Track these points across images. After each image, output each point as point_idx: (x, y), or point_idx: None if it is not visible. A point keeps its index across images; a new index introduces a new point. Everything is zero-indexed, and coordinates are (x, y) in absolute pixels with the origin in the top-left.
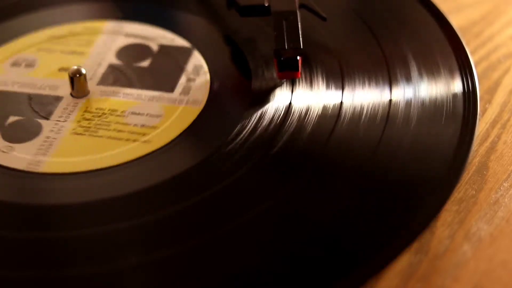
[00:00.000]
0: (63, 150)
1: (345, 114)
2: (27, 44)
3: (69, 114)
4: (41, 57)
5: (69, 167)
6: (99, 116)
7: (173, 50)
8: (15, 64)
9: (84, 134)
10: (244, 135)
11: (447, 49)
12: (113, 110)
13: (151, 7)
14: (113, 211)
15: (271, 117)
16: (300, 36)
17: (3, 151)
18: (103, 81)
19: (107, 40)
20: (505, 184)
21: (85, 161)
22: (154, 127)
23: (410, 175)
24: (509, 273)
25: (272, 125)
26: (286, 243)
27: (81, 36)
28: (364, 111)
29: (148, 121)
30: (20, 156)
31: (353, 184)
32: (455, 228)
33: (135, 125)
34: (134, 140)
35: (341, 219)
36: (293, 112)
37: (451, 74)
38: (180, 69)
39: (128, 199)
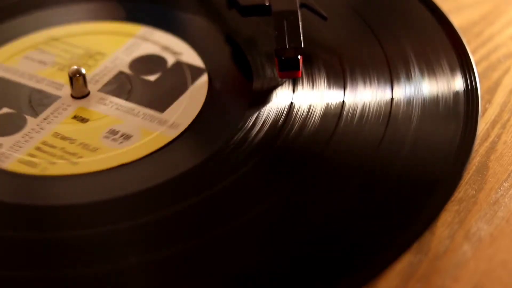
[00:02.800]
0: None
1: (346, 113)
2: (51, 37)
3: (58, 115)
4: (59, 54)
5: (31, 170)
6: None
7: (184, 67)
8: (29, 58)
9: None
10: (245, 135)
11: (448, 48)
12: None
13: (150, 6)
14: (113, 211)
15: (272, 116)
16: (301, 35)
17: None
18: (106, 86)
19: (132, 44)
20: (505, 184)
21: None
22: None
23: (412, 175)
24: (509, 273)
25: (274, 124)
26: (286, 243)
27: (112, 37)
28: (366, 111)
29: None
30: None
31: (354, 183)
32: (455, 228)
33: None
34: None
35: (342, 219)
36: (295, 112)
37: (452, 73)
38: (184, 89)
39: (128, 199)
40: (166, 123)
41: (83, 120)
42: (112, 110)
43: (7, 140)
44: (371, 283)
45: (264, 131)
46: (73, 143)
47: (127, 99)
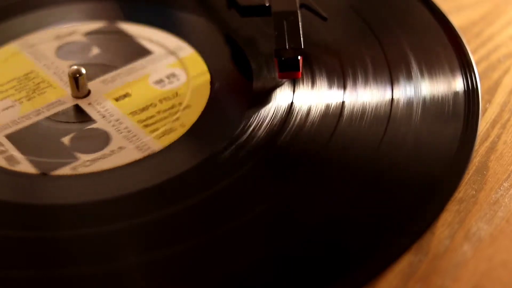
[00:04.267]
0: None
1: (346, 113)
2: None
3: (104, 108)
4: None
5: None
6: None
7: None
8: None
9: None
10: (245, 135)
11: (448, 48)
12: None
13: (150, 6)
14: (113, 211)
15: (272, 117)
16: (301, 36)
17: (104, 158)
18: (89, 77)
19: (33, 52)
20: (505, 184)
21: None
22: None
23: (412, 175)
24: (509, 273)
25: (274, 125)
26: (286, 243)
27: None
28: (366, 111)
29: (175, 82)
30: (125, 152)
31: (354, 184)
32: (455, 228)
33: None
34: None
35: (342, 219)
36: (295, 112)
37: (452, 73)
38: (129, 37)
39: (128, 199)
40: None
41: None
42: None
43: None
44: (371, 283)
45: (264, 131)
46: None
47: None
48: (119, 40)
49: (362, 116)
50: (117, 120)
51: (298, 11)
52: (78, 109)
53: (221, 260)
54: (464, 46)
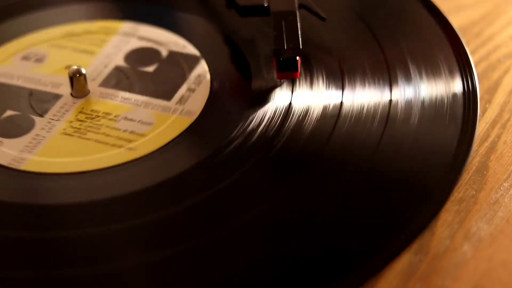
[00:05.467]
0: (49, 150)
1: (345, 114)
2: (41, 39)
3: (64, 113)
4: (52, 53)
5: (51, 168)
6: (92, 118)
7: (181, 57)
8: (26, 58)
9: (73, 135)
10: (244, 135)
11: (447, 49)
12: (107, 114)
13: (150, 6)
14: (113, 211)
15: (271, 117)
16: (300, 36)
17: None
18: (105, 82)
19: (120, 41)
20: (505, 184)
21: (68, 163)
22: (142, 135)
23: (410, 175)
24: (509, 273)
25: (272, 125)
26: (286, 243)
27: (95, 35)
28: (364, 111)
29: (138, 128)
30: (6, 152)
31: (353, 184)
32: (455, 228)
33: (125, 130)
34: (120, 146)
35: (341, 219)
36: (293, 112)
37: (451, 74)
38: (183, 78)
39: (128, 199)
40: (177, 110)
41: (91, 116)
42: (119, 103)
43: (16, 142)
44: (370, 283)
45: (263, 131)
46: None
47: (130, 90)
48: (175, 75)
49: (360, 117)
50: (50, 128)
51: (297, 12)
52: (54, 101)
53: (221, 260)
54: (463, 47)
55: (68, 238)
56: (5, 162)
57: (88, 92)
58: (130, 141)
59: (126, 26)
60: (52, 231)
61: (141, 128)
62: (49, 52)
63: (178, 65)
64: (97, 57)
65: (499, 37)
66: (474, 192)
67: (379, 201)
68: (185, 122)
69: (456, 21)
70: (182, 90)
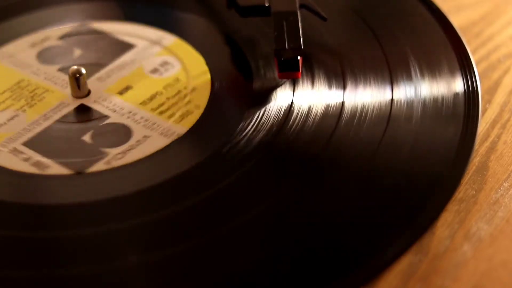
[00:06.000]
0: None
1: (346, 114)
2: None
3: (111, 103)
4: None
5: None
6: (169, 98)
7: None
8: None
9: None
10: (245, 135)
11: (448, 48)
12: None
13: (150, 6)
14: (113, 211)
15: (272, 117)
16: (301, 36)
17: (132, 149)
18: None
19: (13, 62)
20: (505, 184)
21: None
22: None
23: (412, 175)
24: (509, 273)
25: (274, 125)
26: (286, 243)
27: None
28: (366, 111)
29: (170, 69)
30: (152, 141)
31: (354, 184)
32: (455, 228)
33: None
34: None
35: (341, 219)
36: (295, 112)
37: (452, 73)
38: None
39: (128, 199)
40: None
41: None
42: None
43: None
44: (371, 283)
45: (264, 131)
46: None
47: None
48: (98, 39)
49: (362, 116)
50: (130, 112)
51: (298, 11)
52: (84, 108)
53: (221, 260)
54: (464, 46)
55: (68, 238)
56: (167, 142)
57: (89, 91)
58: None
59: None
60: (52, 231)
61: (171, 68)
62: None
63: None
64: (36, 78)
65: (499, 37)
66: (474, 192)
67: (379, 201)
68: (185, 122)
69: (456, 21)
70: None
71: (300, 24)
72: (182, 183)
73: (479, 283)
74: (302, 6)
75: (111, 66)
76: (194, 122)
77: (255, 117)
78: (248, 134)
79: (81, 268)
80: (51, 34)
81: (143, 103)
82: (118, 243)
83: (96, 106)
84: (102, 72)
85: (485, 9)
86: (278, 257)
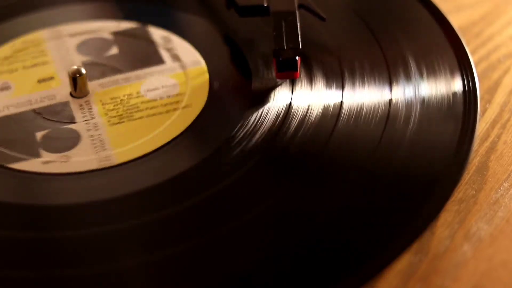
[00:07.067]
0: (118, 141)
1: (345, 114)
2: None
3: (89, 111)
4: (9, 77)
5: (136, 152)
6: (120, 103)
7: (127, 33)
8: None
9: (123, 121)
10: (244, 135)
11: (447, 48)
12: (129, 94)
13: (149, 6)
14: (113, 211)
15: (271, 117)
16: (299, 36)
17: (63, 161)
18: (92, 77)
19: (57, 45)
20: (505, 184)
21: (146, 142)
22: (181, 94)
23: (411, 175)
24: (509, 273)
25: (272, 125)
26: (286, 243)
27: (28, 50)
28: (364, 111)
29: (169, 91)
30: (84, 160)
31: (353, 184)
32: (455, 228)
33: (161, 98)
34: (174, 109)
35: (341, 219)
36: (293, 112)
37: (451, 73)
38: (152, 44)
39: (128, 199)
40: (181, 66)
41: (116, 102)
42: (125, 84)
43: (81, 150)
44: (371, 283)
45: (263, 131)
46: None
47: (121, 72)
48: (140, 45)
49: (360, 116)
50: (95, 126)
51: (297, 12)
52: (67, 107)
53: (221, 260)
54: (463, 47)
55: (68, 238)
56: (96, 166)
57: (88, 91)
58: (176, 102)
59: (45, 32)
60: (52, 231)
61: (172, 90)
62: (5, 78)
63: (136, 37)
64: (56, 62)
65: (499, 37)
66: (474, 192)
67: (379, 201)
68: (185, 122)
69: (456, 21)
70: (164, 52)
71: (299, 24)
72: (182, 183)
73: (479, 283)
74: (301, 6)
75: (123, 75)
76: (192, 122)
77: (254, 117)
78: (247, 134)
79: (81, 268)
80: (108, 26)
81: (112, 121)
82: (118, 243)
83: (76, 109)
84: (110, 78)
85: (485, 9)
86: (278, 257)
